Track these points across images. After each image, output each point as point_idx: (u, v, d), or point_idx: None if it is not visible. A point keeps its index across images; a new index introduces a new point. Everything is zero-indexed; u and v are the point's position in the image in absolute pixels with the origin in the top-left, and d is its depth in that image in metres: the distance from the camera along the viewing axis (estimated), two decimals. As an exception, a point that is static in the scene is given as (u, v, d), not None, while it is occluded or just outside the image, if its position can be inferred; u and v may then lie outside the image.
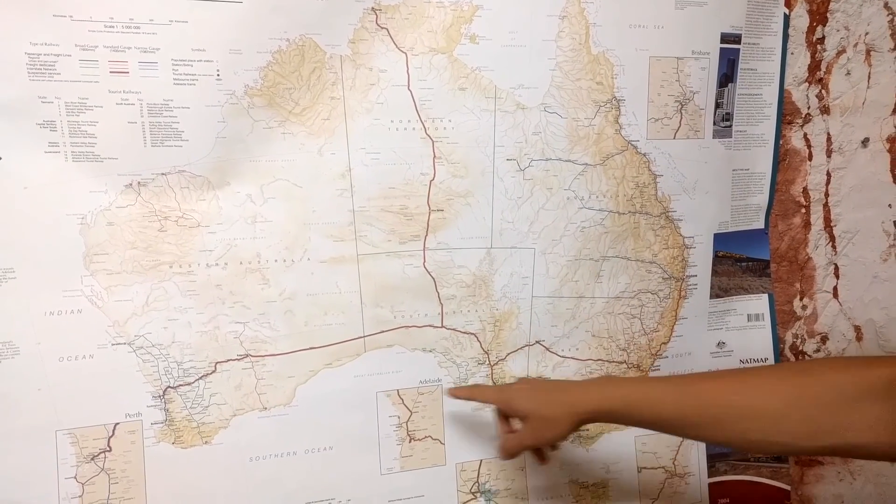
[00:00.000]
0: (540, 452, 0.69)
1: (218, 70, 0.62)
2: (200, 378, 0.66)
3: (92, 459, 0.64)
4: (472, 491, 0.77)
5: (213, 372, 0.67)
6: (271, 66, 0.64)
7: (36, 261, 0.61)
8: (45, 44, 0.58)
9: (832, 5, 0.85)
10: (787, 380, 0.53)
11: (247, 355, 0.68)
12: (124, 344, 0.64)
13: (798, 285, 0.90)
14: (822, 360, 0.54)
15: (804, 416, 0.50)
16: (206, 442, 0.67)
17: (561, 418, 0.59)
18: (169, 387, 0.66)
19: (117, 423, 0.65)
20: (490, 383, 0.76)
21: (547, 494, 0.79)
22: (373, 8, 0.66)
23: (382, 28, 0.67)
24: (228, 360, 0.67)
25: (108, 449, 0.64)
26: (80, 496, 0.63)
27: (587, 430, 0.80)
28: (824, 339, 0.92)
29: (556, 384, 0.66)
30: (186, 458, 0.66)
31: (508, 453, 0.64)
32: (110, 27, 0.59)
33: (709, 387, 0.56)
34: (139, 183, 0.63)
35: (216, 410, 0.67)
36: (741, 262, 0.86)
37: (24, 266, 0.61)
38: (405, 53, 0.68)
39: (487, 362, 0.76)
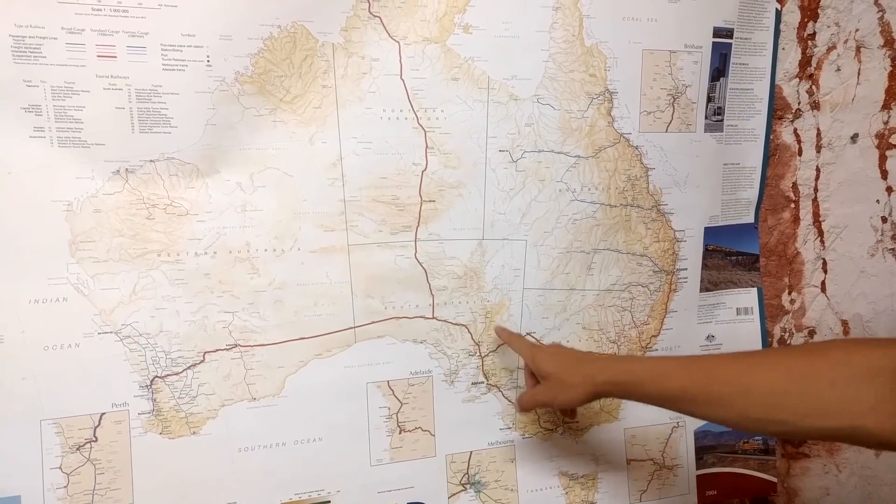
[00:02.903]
0: (564, 411, 0.71)
1: (208, 56, 0.62)
2: (189, 368, 0.66)
3: (77, 449, 0.63)
4: (462, 482, 0.77)
5: (202, 362, 0.66)
6: (262, 52, 0.63)
7: (20, 248, 0.60)
8: (31, 26, 0.57)
9: (823, 1, 0.85)
10: (792, 357, 0.53)
11: (236, 345, 0.67)
12: (111, 333, 0.63)
13: (787, 279, 0.91)
14: (829, 341, 0.54)
15: (806, 392, 0.49)
16: (194, 432, 0.66)
17: (577, 385, 0.63)
18: (156, 376, 0.65)
19: (103, 413, 0.64)
20: (481, 374, 0.76)
21: (536, 486, 0.80)
22: (366, -5, 0.65)
23: (375, 16, 0.66)
24: (217, 350, 0.66)
25: (94, 439, 0.64)
26: (65, 486, 0.63)
27: (576, 422, 0.81)
28: (812, 332, 0.93)
29: (580, 354, 0.69)
30: (174, 448, 0.66)
31: (522, 406, 0.71)
32: (98, 10, 0.58)
33: (714, 364, 0.57)
34: (127, 170, 0.62)
35: (204, 401, 0.66)
36: (731, 255, 0.86)
37: (8, 253, 0.60)
38: (398, 42, 0.68)
39: (478, 354, 0.76)
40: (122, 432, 0.64)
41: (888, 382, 0.46)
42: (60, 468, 0.63)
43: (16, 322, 0.60)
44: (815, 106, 0.88)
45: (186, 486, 0.67)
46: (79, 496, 0.63)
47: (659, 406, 0.60)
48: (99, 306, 0.63)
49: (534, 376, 0.70)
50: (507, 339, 0.74)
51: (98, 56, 0.59)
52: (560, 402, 0.65)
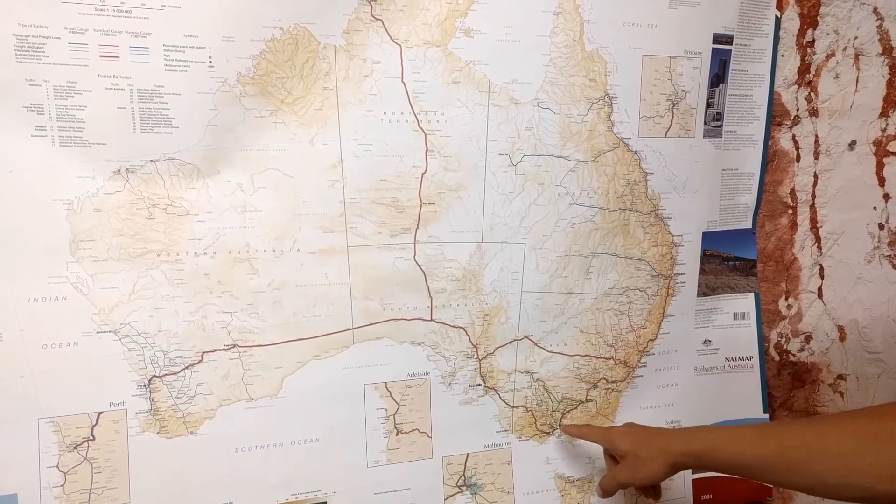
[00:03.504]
0: (646, 490, 0.72)
1: (210, 57, 0.62)
2: (187, 368, 0.66)
3: (75, 448, 0.63)
4: (459, 484, 0.77)
5: (200, 362, 0.66)
6: (264, 54, 0.64)
7: (20, 246, 0.60)
8: (34, 25, 0.57)
9: (822, 9, 0.86)
10: (862, 420, 0.54)
11: (234, 345, 0.67)
12: (110, 332, 0.63)
13: (784, 285, 0.91)
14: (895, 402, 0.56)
15: (879, 454, 0.50)
16: (191, 432, 0.66)
17: (653, 459, 0.64)
18: (154, 376, 0.65)
19: (101, 412, 0.64)
20: (479, 377, 0.76)
21: (532, 489, 0.80)
22: (368, -2, 0.66)
23: (377, 19, 0.67)
24: (215, 350, 0.67)
25: (91, 438, 0.64)
26: (62, 485, 0.63)
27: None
28: (808, 338, 0.93)
29: (654, 429, 0.69)
30: (171, 448, 0.66)
31: (604, 489, 0.70)
32: (101, 10, 0.58)
33: (787, 430, 0.58)
34: (128, 169, 0.62)
35: (202, 400, 0.67)
36: (728, 261, 0.87)
37: (8, 251, 0.60)
38: (399, 45, 0.68)
39: (476, 356, 0.76)
40: (119, 431, 0.64)
41: None
42: (57, 467, 0.63)
43: (14, 320, 0.61)
44: (814, 113, 0.89)
45: (183, 486, 0.67)
46: (75, 495, 0.63)
47: (736, 475, 0.60)
48: (98, 305, 0.63)
49: (613, 458, 0.71)
50: (578, 432, 0.76)
51: (101, 56, 0.59)
52: (640, 478, 0.66)
